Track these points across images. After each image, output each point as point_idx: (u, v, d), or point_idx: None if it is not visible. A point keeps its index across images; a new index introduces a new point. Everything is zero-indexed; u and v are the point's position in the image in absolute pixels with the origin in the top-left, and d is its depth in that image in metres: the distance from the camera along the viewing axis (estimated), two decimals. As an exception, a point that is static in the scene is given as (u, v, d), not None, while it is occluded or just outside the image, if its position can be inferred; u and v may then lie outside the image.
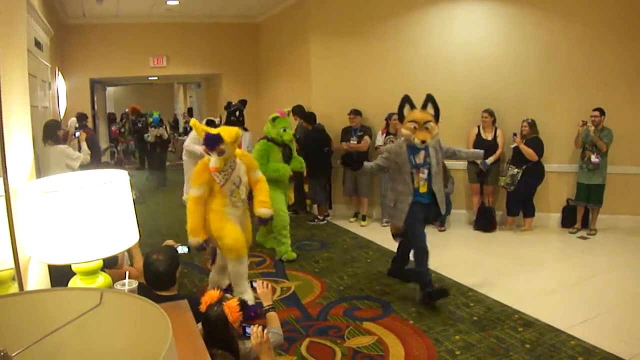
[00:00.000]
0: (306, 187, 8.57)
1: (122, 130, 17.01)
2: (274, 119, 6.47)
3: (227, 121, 7.60)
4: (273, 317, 3.26)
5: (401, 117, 5.25)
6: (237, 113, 7.71)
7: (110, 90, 18.06)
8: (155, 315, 0.92)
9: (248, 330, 2.79)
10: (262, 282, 3.42)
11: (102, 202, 1.77)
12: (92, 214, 1.74)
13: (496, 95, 7.77)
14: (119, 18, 10.22)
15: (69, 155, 6.11)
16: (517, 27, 7.77)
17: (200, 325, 2.73)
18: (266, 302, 3.32)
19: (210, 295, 2.85)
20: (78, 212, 1.72)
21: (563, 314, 4.72)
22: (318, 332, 4.57)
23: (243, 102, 8.18)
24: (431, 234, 7.43)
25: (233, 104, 8.03)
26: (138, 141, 13.91)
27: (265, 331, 2.76)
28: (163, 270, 3.16)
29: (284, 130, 6.47)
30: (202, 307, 2.82)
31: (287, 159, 6.61)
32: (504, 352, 4.09)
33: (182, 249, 3.91)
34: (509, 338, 4.33)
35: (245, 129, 7.88)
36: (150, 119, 12.80)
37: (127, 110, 17.12)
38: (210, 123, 6.34)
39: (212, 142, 4.41)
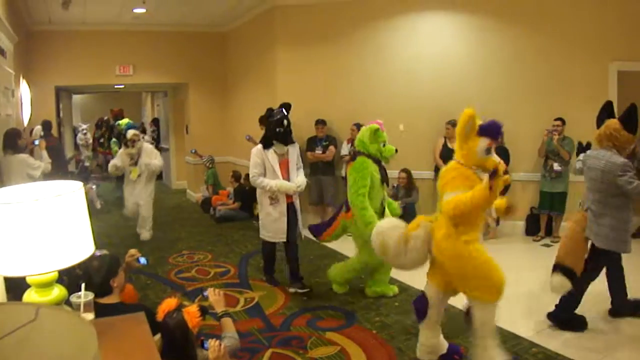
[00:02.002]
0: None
1: (102, 140, 15.06)
2: (375, 132, 5.24)
3: (267, 134, 5.84)
4: (227, 322, 3.30)
5: (636, 127, 4.40)
6: (286, 122, 5.76)
7: (76, 98, 17.63)
8: (82, 330, 0.91)
9: (206, 344, 2.79)
10: (214, 290, 3.44)
11: (57, 214, 1.76)
12: (46, 226, 1.73)
13: (461, 106, 7.62)
14: (86, 25, 10.11)
15: (30, 164, 6.02)
16: (482, 38, 7.93)
17: (158, 336, 2.72)
18: (219, 309, 3.35)
19: (168, 303, 2.82)
20: (32, 223, 1.71)
21: (526, 322, 4.81)
22: (281, 342, 4.57)
23: (287, 106, 5.95)
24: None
25: (275, 110, 5.93)
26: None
27: (223, 345, 2.77)
28: (95, 278, 2.97)
29: (383, 145, 5.32)
30: (159, 316, 2.77)
31: (384, 181, 5.48)
32: (466, 360, 4.14)
33: (142, 261, 3.86)
34: (471, 346, 4.37)
35: (292, 142, 5.97)
36: (123, 125, 9.51)
37: (106, 117, 15.30)
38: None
39: (499, 131, 3.71)
